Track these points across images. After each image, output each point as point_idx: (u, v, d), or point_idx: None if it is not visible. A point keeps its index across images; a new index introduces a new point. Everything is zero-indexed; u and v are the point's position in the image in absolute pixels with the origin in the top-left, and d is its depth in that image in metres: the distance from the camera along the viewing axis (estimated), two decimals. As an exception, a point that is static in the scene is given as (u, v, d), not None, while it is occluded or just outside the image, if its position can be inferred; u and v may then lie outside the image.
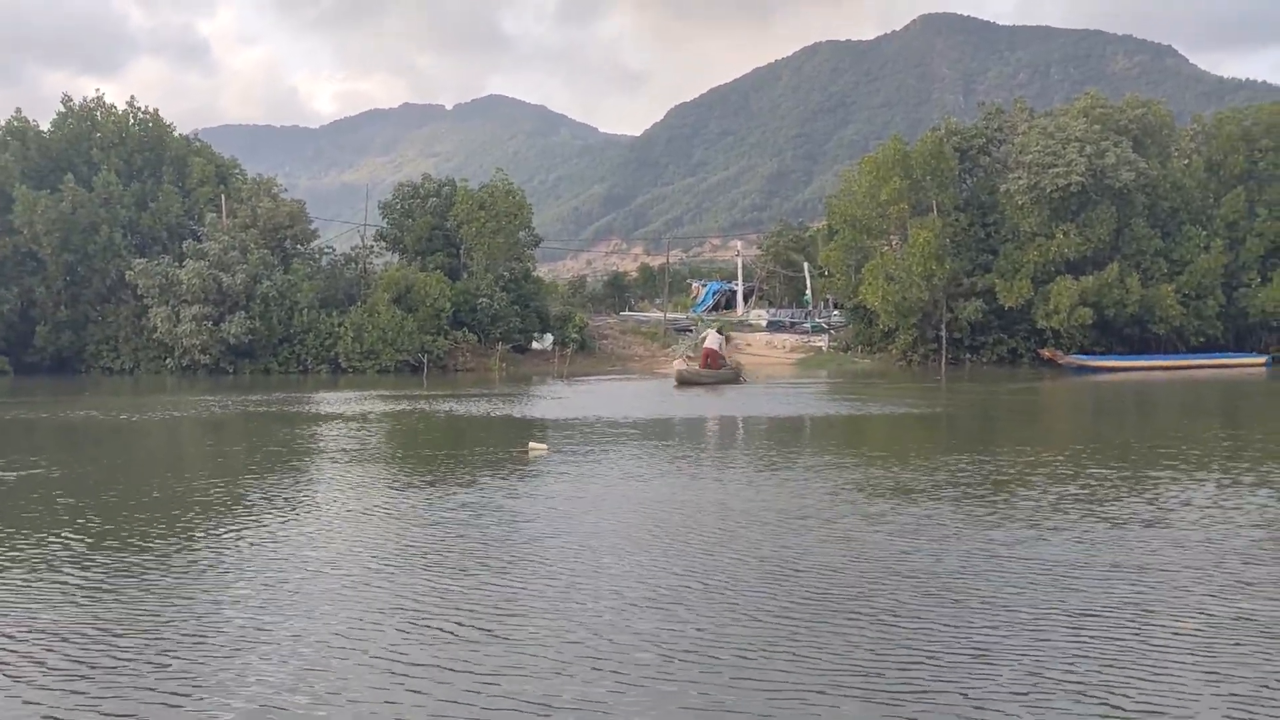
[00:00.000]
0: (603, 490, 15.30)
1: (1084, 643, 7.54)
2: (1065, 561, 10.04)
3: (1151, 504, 13.20)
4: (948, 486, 14.89)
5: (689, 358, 48.32)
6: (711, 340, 47.24)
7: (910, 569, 9.85)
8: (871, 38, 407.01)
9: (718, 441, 23.19)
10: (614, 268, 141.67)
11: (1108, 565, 9.90)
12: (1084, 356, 56.47)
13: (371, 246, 70.08)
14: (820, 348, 67.81)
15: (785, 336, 70.95)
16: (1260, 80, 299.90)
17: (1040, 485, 14.89)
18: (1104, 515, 12.44)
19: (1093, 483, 15.05)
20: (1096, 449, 19.69)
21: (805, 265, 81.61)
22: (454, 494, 14.87)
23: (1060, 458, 18.04)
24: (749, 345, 68.62)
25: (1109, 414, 31.35)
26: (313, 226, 67.52)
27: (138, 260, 59.55)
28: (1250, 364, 56.26)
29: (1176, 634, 7.74)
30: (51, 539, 11.71)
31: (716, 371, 44.71)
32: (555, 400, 36.72)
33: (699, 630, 7.98)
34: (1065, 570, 9.71)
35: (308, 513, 13.52)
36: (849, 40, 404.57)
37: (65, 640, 7.92)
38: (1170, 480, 15.20)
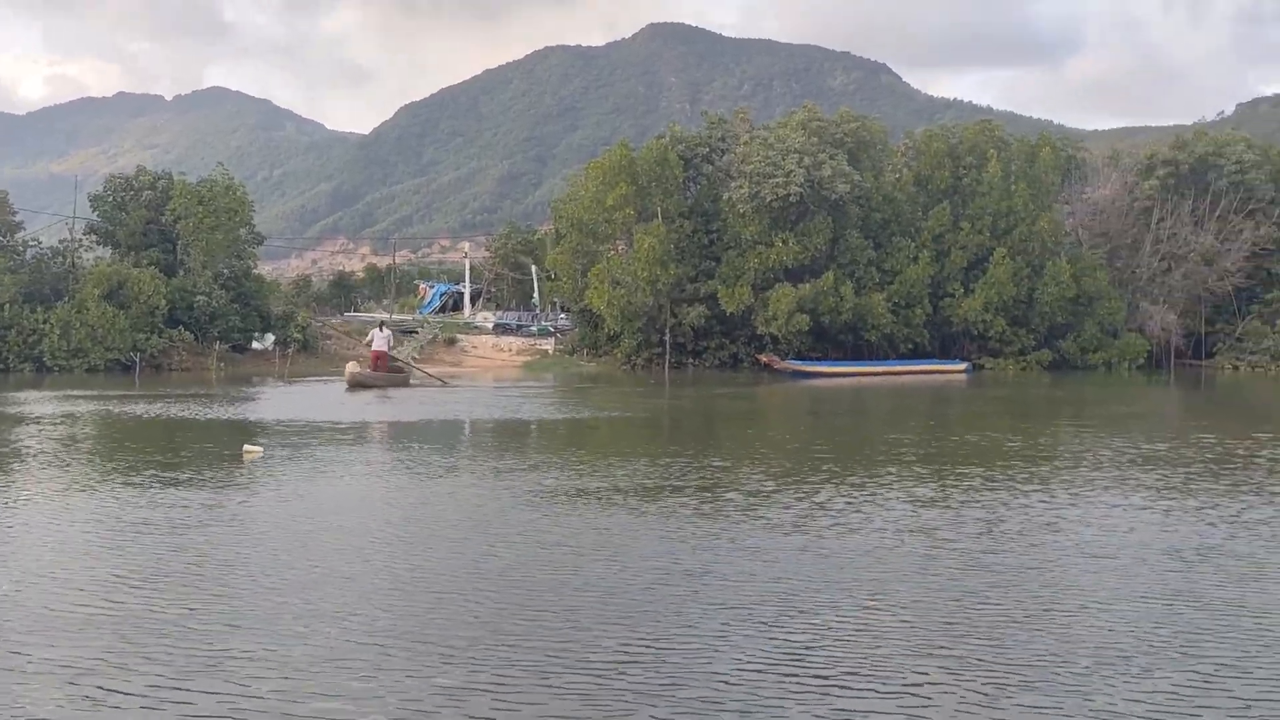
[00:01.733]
0: (314, 492, 14.85)
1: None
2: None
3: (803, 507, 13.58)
4: (639, 489, 14.97)
5: (360, 360, 46.86)
6: (378, 341, 45.96)
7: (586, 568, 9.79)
8: (601, 44, 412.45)
9: (431, 444, 22.81)
10: (340, 267, 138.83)
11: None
12: (800, 362, 58.15)
13: (80, 240, 66.54)
14: (547, 351, 67.92)
15: (512, 339, 70.79)
16: (966, 100, 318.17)
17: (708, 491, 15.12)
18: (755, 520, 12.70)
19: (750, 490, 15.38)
20: (773, 453, 20.22)
21: (533, 268, 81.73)
22: (161, 498, 14.15)
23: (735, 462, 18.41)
24: (475, 348, 68.20)
25: (813, 417, 32.33)
26: (17, 218, 63.69)
27: None
28: (952, 370, 59.25)
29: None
30: None
31: (388, 374, 43.90)
32: (274, 402, 35.66)
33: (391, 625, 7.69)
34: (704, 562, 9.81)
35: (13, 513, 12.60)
36: (579, 45, 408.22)
37: None
38: (827, 481, 15.69)
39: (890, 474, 16.87)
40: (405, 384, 43.20)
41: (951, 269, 63.50)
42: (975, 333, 63.43)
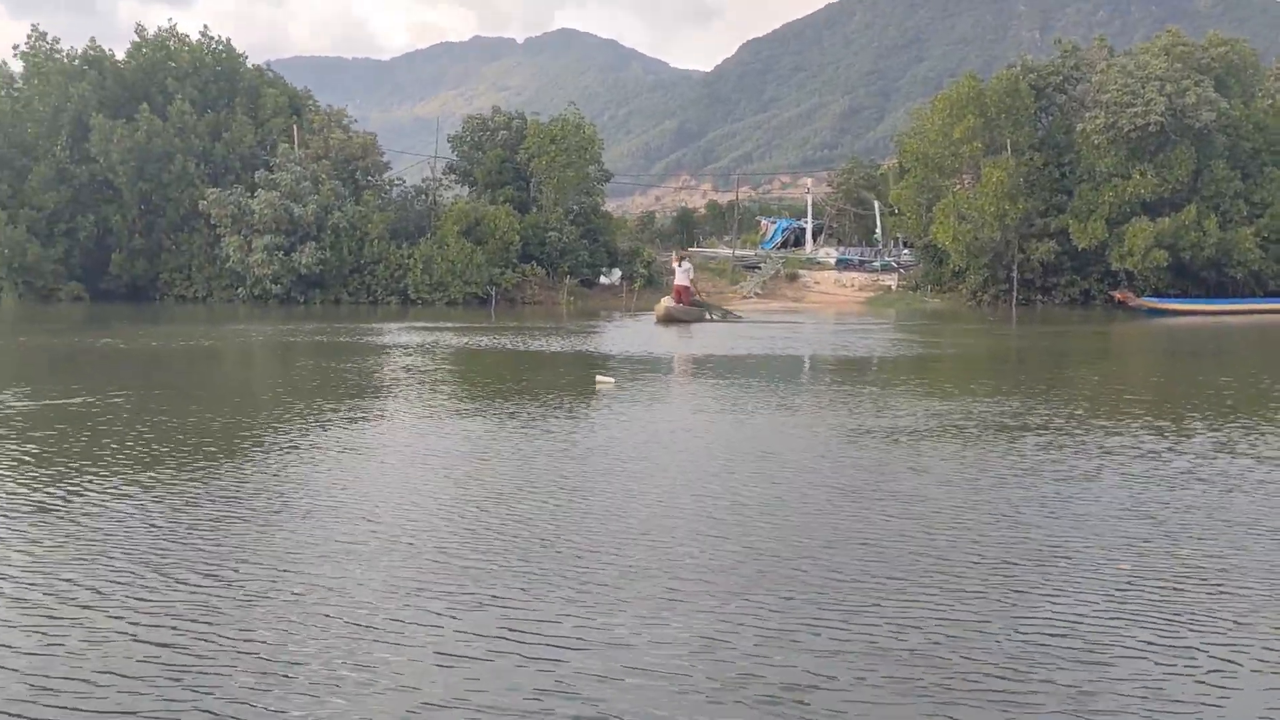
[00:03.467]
0: (668, 425, 15.43)
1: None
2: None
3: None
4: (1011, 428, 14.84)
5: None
6: (680, 276, 46.18)
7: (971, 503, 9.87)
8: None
9: (771, 379, 23.15)
10: (683, 204, 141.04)
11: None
12: (1156, 299, 55.60)
13: (441, 179, 70.31)
14: (889, 286, 67.37)
15: (855, 275, 70.52)
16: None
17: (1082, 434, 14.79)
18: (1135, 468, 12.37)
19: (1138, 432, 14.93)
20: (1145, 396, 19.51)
21: (875, 204, 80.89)
22: (525, 426, 15.03)
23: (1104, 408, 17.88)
24: (818, 283, 68.35)
25: (1170, 358, 30.93)
26: (384, 159, 67.80)
27: (211, 190, 60.10)
28: (1328, 309, 55.28)
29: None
30: (139, 459, 12.00)
31: (693, 309, 43.97)
32: (622, 335, 36.87)
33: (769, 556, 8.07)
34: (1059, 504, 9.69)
35: (377, 438, 13.79)
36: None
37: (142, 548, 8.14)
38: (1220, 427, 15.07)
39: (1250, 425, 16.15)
40: (702, 319, 43.32)
41: (1331, 200, 59.03)
42: (1357, 270, 58.89)
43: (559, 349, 29.96)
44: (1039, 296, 61.06)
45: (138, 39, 66.26)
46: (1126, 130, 57.18)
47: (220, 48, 67.28)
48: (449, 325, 40.30)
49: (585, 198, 68.27)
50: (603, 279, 66.30)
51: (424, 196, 67.85)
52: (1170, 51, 59.36)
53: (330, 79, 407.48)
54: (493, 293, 59.84)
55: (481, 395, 18.86)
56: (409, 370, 23.09)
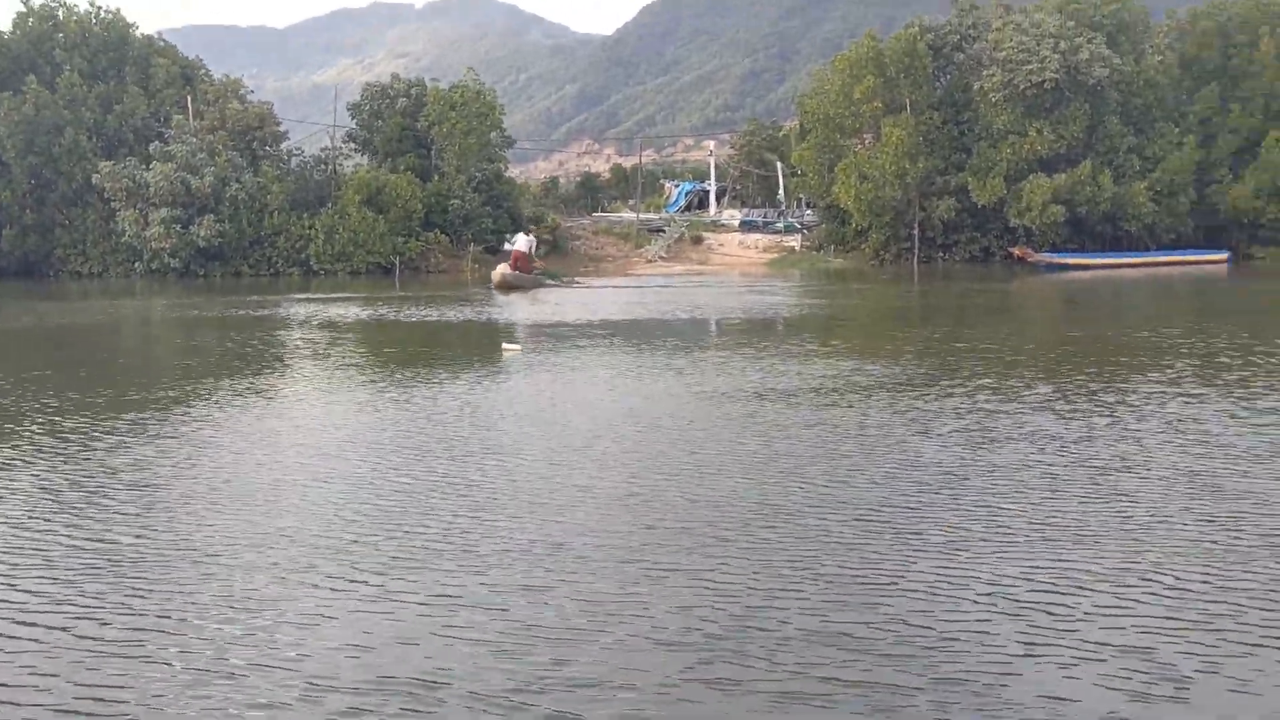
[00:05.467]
0: (570, 389, 15.44)
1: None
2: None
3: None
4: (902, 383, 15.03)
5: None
6: (520, 243, 46.41)
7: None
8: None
9: (678, 341, 23.23)
10: (586, 169, 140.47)
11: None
12: (1054, 254, 56.58)
13: (340, 148, 69.35)
14: (793, 247, 67.67)
15: (758, 236, 70.70)
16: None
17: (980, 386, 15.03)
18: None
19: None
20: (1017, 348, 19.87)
21: (778, 165, 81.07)
22: (431, 392, 14.95)
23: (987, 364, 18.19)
24: (721, 245, 68.48)
25: (1071, 310, 31.54)
26: (281, 128, 66.72)
27: (104, 163, 58.71)
28: (1213, 260, 56.70)
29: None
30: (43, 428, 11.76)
31: (534, 276, 44.20)
32: (526, 302, 36.73)
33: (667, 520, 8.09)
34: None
35: (283, 409, 13.62)
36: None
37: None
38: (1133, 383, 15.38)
39: (1153, 377, 16.53)
40: (540, 285, 43.62)
41: (1219, 154, 60.30)
42: (1245, 221, 60.26)
43: (465, 317, 29.81)
44: (940, 254, 61.77)
45: (23, 8, 64.40)
46: (1023, 88, 57.95)
47: (109, 17, 65.54)
48: (353, 296, 39.94)
49: (488, 164, 67.62)
50: (507, 245, 65.70)
51: (324, 166, 66.91)
52: (1064, 9, 60.22)
53: (224, 48, 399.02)
54: (396, 262, 59.26)
55: (385, 366, 18.71)
56: (311, 342, 22.82)
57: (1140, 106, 61.02)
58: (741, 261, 64.09)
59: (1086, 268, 54.00)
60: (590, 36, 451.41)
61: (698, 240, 69.04)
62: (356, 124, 70.41)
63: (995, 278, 49.26)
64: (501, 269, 43.92)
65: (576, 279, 47.61)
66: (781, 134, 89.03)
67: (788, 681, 5.54)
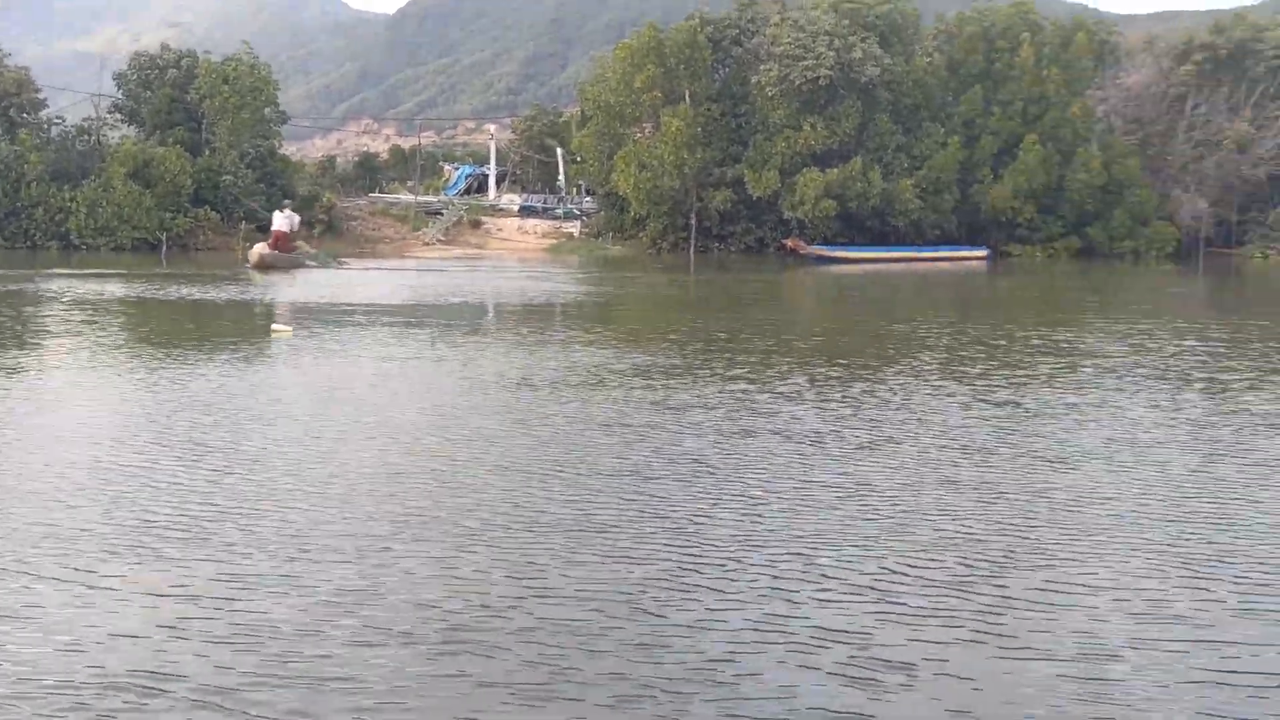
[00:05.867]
0: (332, 374, 15.09)
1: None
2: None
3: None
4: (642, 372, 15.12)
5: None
6: (279, 222, 45.49)
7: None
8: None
9: (454, 325, 22.99)
10: (365, 148, 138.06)
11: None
12: (824, 247, 58.02)
13: (106, 119, 66.30)
14: (572, 234, 67.79)
15: (537, 222, 70.56)
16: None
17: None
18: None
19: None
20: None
21: (559, 151, 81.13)
22: (193, 375, 14.39)
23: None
24: (500, 230, 68.12)
25: (826, 304, 32.38)
26: (41, 95, 63.46)
27: None
28: (973, 256, 59.18)
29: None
30: None
31: (292, 256, 43.47)
32: (300, 282, 35.84)
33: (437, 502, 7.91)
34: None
35: (22, 389, 12.90)
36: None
37: None
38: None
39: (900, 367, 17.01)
40: (301, 265, 42.67)
41: (981, 155, 62.88)
42: (1004, 219, 63.03)
43: (232, 297, 28.87)
44: (716, 244, 62.71)
45: None
46: (798, 83, 59.26)
47: None
48: (115, 272, 38.22)
49: (261, 140, 65.66)
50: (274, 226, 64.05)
51: (87, 136, 63.85)
52: (838, 8, 61.78)
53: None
54: (164, 238, 57.02)
55: (146, 347, 17.91)
56: (63, 320, 21.71)
57: (909, 106, 63.18)
58: (520, 247, 63.86)
59: (854, 261, 55.56)
60: (370, 14, 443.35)
61: (476, 224, 68.50)
62: (123, 94, 67.51)
63: (768, 269, 50.23)
64: (259, 248, 42.44)
65: (342, 260, 46.51)
66: (563, 120, 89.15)
67: (526, 674, 5.42)
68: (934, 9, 72.90)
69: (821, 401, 13.08)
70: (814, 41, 59.25)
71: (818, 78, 58.76)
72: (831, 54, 58.62)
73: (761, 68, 61.48)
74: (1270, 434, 11.40)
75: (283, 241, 43.70)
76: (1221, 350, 19.00)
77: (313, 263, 43.65)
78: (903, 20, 63.99)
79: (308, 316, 23.55)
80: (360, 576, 6.66)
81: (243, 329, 21.32)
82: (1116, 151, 64.00)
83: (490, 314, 26.68)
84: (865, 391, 13.86)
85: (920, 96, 63.31)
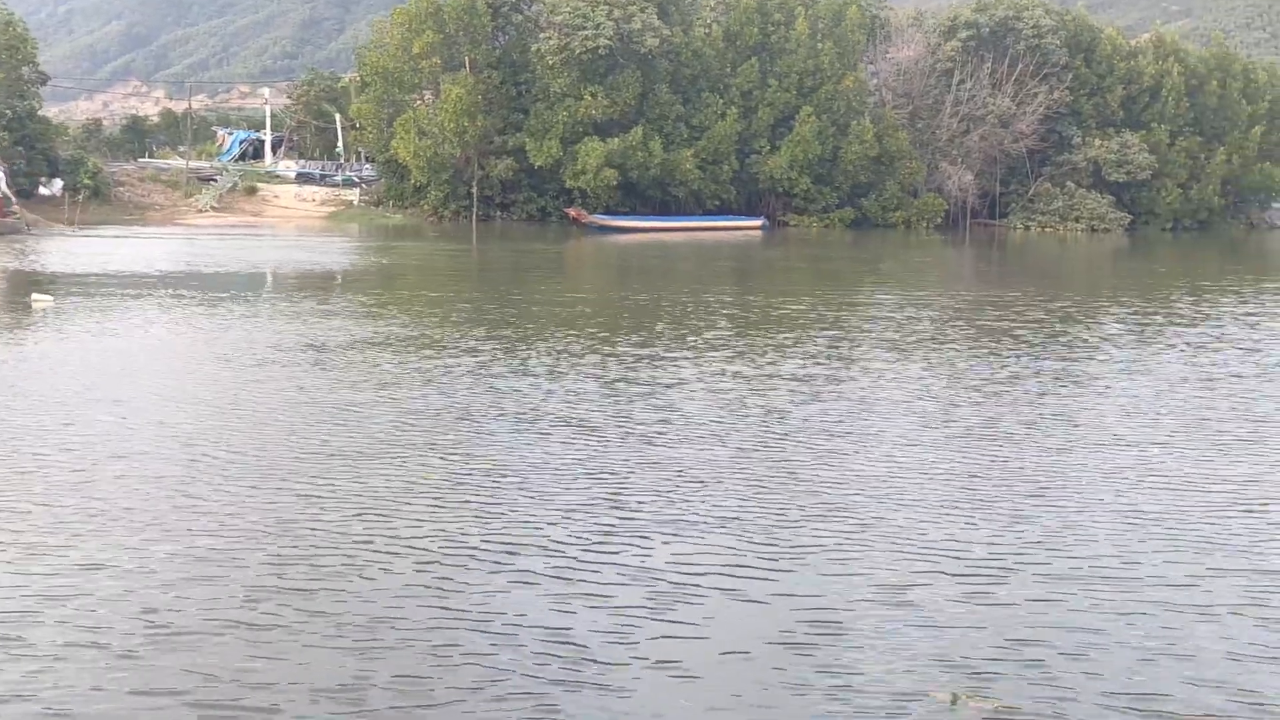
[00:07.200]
0: (106, 345, 14.60)
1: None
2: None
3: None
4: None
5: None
6: None
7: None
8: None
9: (231, 294, 22.46)
10: (134, 111, 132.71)
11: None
12: (606, 216, 58.32)
13: None
14: (352, 202, 66.54)
15: (316, 189, 68.97)
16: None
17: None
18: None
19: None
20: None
21: (337, 117, 79.43)
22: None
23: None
24: (277, 197, 66.41)
25: (610, 271, 32.70)
26: None
27: None
28: (749, 227, 60.35)
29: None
30: None
31: (5, 220, 41.82)
32: (63, 250, 34.44)
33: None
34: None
35: None
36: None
37: None
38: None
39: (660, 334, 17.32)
40: (20, 231, 40.94)
41: (759, 126, 64.04)
42: (780, 190, 64.33)
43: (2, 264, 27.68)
44: (499, 213, 62.44)
45: None
46: (578, 52, 59.31)
47: None
48: None
49: (19, 101, 62.54)
50: (42, 189, 61.14)
51: None
52: (617, -23, 61.93)
53: None
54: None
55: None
56: None
57: (689, 77, 63.85)
58: (298, 215, 62.40)
59: (635, 230, 56.02)
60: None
61: (252, 191, 66.60)
62: None
63: (549, 238, 50.36)
64: None
65: (66, 227, 44.22)
66: (341, 85, 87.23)
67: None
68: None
69: (569, 368, 13.31)
70: (593, 11, 59.39)
71: (597, 47, 58.92)
72: (611, 24, 58.86)
73: (541, 36, 61.31)
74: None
75: None
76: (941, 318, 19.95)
77: (31, 231, 41.41)
78: (681, -9, 64.69)
79: (74, 286, 22.75)
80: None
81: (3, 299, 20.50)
82: (888, 124, 65.97)
83: (269, 282, 26.15)
84: (648, 360, 14.09)
85: (699, 67, 64.04)
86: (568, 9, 59.87)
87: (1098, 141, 70.71)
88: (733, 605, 6.31)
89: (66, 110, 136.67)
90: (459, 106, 58.49)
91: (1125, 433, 10.96)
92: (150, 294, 21.71)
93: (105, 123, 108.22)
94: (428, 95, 63.51)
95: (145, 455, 8.89)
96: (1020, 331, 18.26)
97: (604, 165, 58.63)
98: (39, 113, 66.02)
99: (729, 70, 65.04)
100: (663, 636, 5.93)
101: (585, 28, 59.05)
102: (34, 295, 19.32)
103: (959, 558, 7.12)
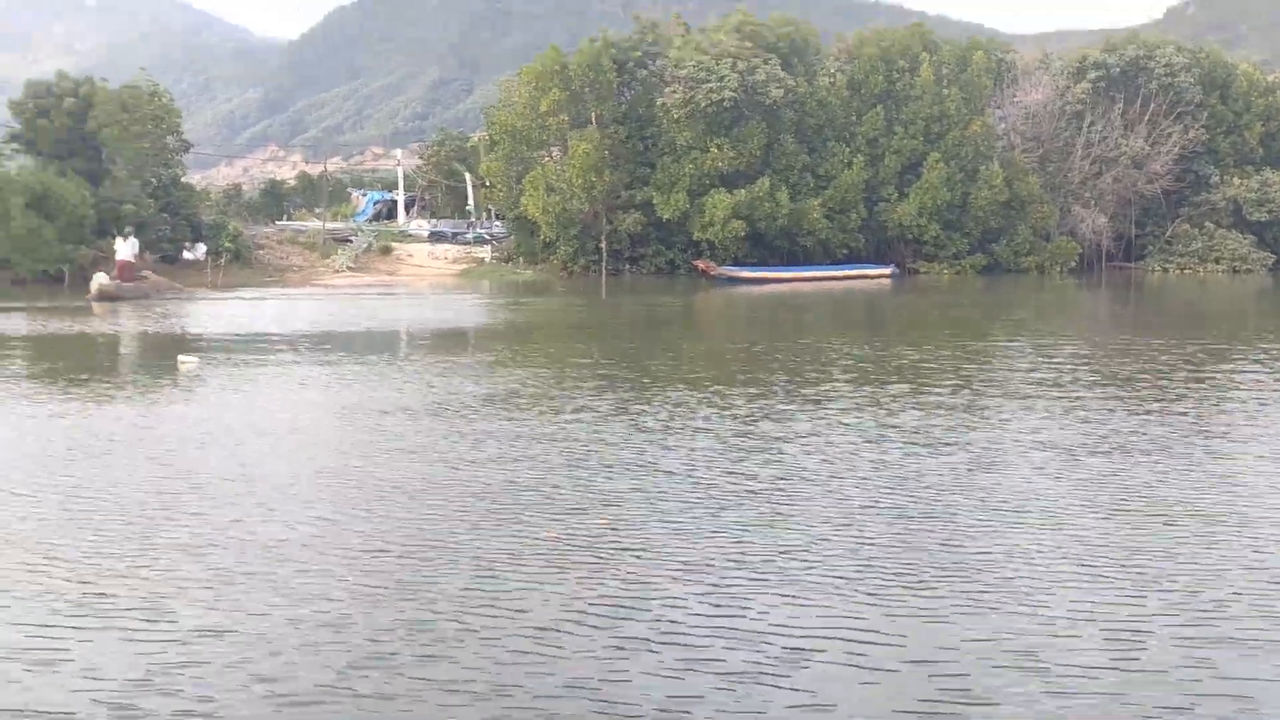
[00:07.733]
0: (249, 404, 14.98)
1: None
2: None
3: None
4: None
5: (113, 274, 44.26)
6: (123, 251, 44.44)
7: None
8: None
9: (368, 354, 22.91)
10: (272, 175, 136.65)
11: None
12: (734, 268, 58.42)
13: (1, 149, 65.02)
14: (483, 259, 67.56)
15: (448, 247, 70.20)
16: (894, 3, 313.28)
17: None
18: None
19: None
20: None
21: (467, 176, 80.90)
22: (107, 408, 14.23)
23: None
24: (411, 256, 67.70)
25: (728, 325, 32.66)
26: (-69, 125, 62.15)
27: None
28: (879, 275, 59.83)
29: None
30: None
31: (137, 285, 42.66)
32: (206, 312, 35.46)
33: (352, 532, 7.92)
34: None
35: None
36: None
37: None
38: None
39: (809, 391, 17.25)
40: (149, 296, 41.75)
41: (885, 174, 63.71)
42: (910, 237, 63.87)
43: (141, 328, 28.54)
44: (628, 267, 62.86)
45: None
46: (703, 105, 59.68)
47: None
48: (14, 305, 37.50)
49: (164, 169, 64.82)
50: (186, 254, 63.14)
51: (-18, 168, 62.53)
52: (740, 30, 62.43)
53: None
54: (66, 270, 55.97)
55: (51, 380, 17.66)
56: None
57: (814, 126, 63.86)
58: (431, 273, 63.53)
59: (764, 281, 55.99)
60: (273, 40, 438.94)
61: (386, 250, 68.03)
62: (19, 123, 66.24)
63: (679, 290, 50.51)
64: (99, 278, 41.28)
65: (182, 289, 45.48)
66: (470, 145, 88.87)
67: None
68: (835, 28, 73.76)
69: (694, 418, 13.28)
70: (717, 63, 59.83)
71: (722, 100, 59.27)
72: (735, 76, 59.20)
73: (666, 90, 61.83)
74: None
75: (126, 271, 42.71)
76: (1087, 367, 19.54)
77: (161, 293, 42.63)
78: (803, 41, 64.80)
79: (218, 347, 23.37)
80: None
81: (151, 360, 21.14)
82: (1017, 169, 65.20)
83: (408, 340, 26.63)
84: (759, 412, 14.06)
85: (824, 116, 64.02)
86: (692, 63, 60.40)
87: (1237, 180, 69.11)
88: (859, 673, 6.21)
89: (208, 176, 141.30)
90: (586, 162, 59.20)
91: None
92: (289, 354, 22.25)
93: (245, 187, 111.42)
94: (555, 152, 64.40)
95: (271, 515, 9.11)
96: (1164, 381, 17.79)
97: (731, 216, 58.80)
98: (183, 180, 68.30)
99: (854, 119, 64.85)
100: (788, 707, 5.81)
101: (709, 81, 59.47)
102: (180, 357, 19.88)
103: (1097, 620, 6.91)
